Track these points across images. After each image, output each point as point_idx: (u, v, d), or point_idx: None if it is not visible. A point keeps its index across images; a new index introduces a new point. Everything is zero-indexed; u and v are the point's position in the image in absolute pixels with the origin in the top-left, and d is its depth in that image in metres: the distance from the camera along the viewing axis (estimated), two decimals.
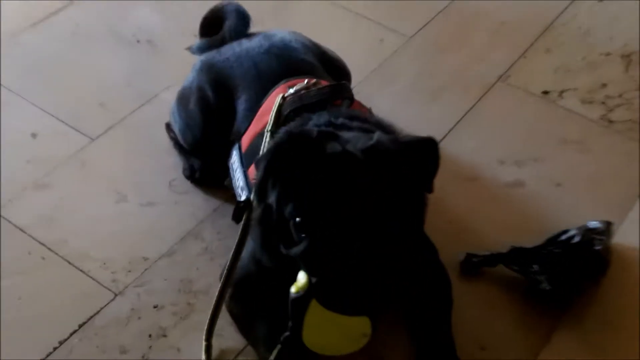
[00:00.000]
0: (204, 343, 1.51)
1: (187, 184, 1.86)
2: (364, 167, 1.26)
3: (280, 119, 1.53)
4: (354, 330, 1.30)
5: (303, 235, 1.28)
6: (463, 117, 2.03)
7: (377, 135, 1.32)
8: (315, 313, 1.27)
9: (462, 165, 1.91)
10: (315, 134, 1.31)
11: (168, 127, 1.94)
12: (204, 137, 1.77)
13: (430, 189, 1.35)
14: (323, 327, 1.28)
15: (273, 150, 1.31)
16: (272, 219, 1.34)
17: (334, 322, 1.27)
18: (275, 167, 1.29)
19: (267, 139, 1.50)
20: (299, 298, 1.27)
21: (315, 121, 1.45)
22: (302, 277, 1.28)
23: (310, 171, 1.26)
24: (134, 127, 2.02)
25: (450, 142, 1.96)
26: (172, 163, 1.90)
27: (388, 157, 1.28)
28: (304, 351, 1.33)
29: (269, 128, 1.52)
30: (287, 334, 1.31)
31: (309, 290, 1.26)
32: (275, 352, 1.35)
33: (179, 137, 1.86)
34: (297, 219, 1.27)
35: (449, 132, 2.01)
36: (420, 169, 1.32)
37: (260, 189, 1.34)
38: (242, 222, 1.49)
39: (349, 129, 1.40)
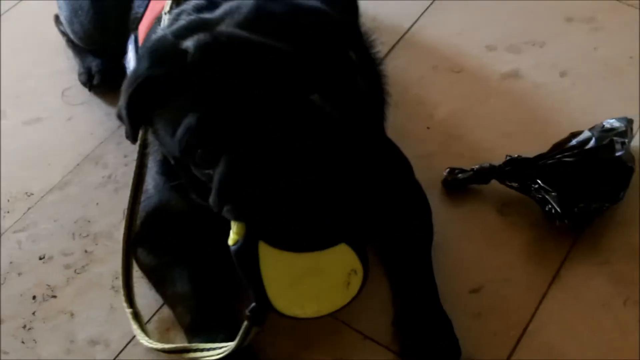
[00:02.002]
0: (127, 310, 1.32)
1: (85, 94, 1.69)
2: (255, 49, 1.04)
3: None
4: (336, 269, 1.10)
5: (208, 171, 1.09)
6: None
7: None
8: (273, 261, 1.08)
9: (442, 54, 1.77)
10: (170, 38, 1.10)
11: (57, 19, 1.75)
12: (95, 26, 1.57)
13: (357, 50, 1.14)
14: (292, 278, 1.09)
15: (127, 89, 1.11)
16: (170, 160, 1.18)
17: (304, 265, 1.09)
18: (139, 106, 1.10)
19: (165, 23, 1.23)
20: (242, 248, 1.08)
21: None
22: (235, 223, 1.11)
23: (181, 89, 1.06)
24: (15, 21, 1.86)
25: (427, 24, 1.83)
26: (66, 67, 1.73)
27: (279, 23, 1.06)
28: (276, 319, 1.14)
29: (167, 9, 1.26)
30: (252, 305, 1.13)
31: (250, 233, 1.08)
32: (241, 333, 1.16)
33: (67, 30, 1.68)
34: (199, 151, 1.07)
35: (425, 10, 1.86)
36: (339, 30, 1.10)
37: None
38: (138, 142, 1.29)
39: None
